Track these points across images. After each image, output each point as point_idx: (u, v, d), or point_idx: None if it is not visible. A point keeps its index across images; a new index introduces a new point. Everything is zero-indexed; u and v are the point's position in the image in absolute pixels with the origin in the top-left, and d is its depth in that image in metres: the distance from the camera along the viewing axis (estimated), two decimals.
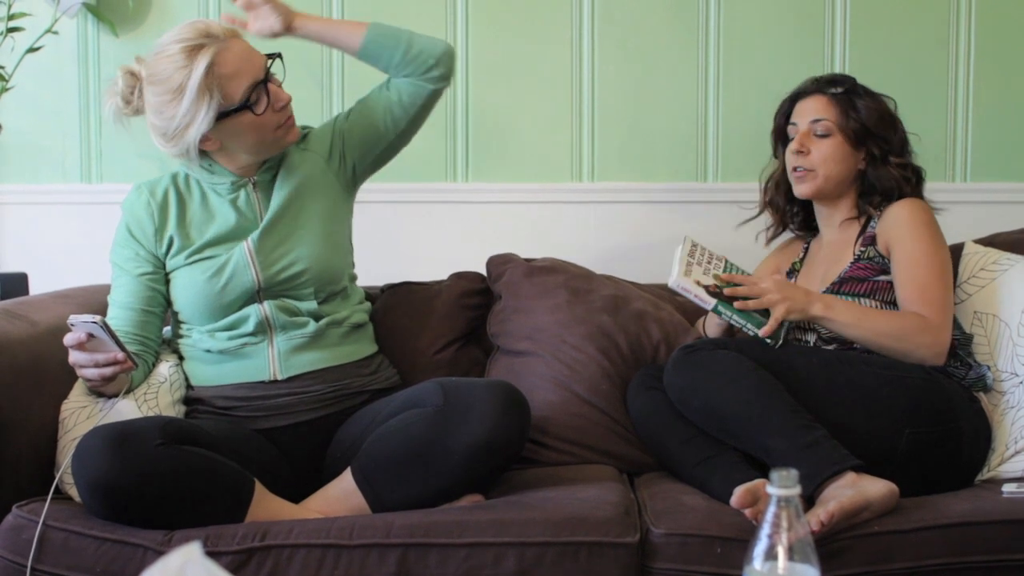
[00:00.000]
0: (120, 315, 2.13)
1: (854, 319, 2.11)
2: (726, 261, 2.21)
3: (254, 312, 2.11)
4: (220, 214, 2.15)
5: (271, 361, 2.12)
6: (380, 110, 2.23)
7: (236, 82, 2.04)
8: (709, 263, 2.17)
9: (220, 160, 2.14)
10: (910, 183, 2.27)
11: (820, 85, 2.30)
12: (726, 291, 2.10)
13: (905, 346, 2.10)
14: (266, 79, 2.07)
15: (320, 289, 2.16)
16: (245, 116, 2.06)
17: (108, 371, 1.92)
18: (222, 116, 2.04)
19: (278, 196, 2.16)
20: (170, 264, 2.15)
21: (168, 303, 2.17)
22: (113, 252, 2.18)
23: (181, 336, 2.18)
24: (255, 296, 2.13)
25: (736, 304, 2.09)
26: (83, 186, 2.84)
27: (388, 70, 2.22)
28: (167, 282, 2.16)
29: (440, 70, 2.21)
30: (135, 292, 2.14)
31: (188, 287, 2.13)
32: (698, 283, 2.11)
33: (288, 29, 2.21)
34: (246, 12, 2.21)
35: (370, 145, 2.25)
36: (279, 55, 2.10)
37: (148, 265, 2.15)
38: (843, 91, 2.27)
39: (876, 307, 2.17)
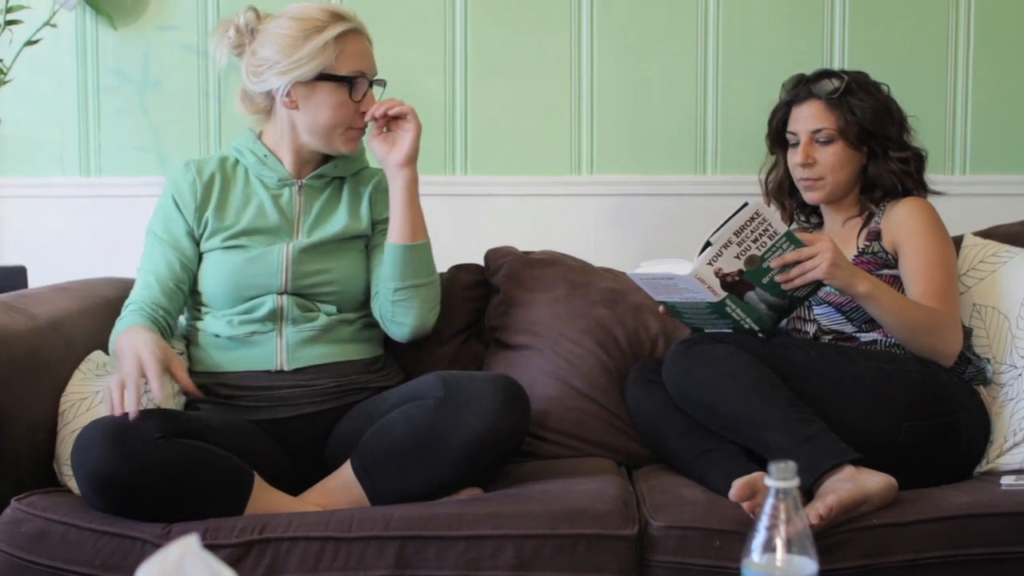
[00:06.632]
0: (150, 283, 2.14)
1: (896, 306, 2.07)
2: (786, 234, 2.01)
3: (271, 300, 2.13)
4: (259, 203, 2.18)
5: (279, 352, 2.13)
6: (372, 270, 2.22)
7: (351, 60, 2.12)
8: (755, 241, 2.00)
9: (278, 150, 2.19)
10: (911, 176, 2.26)
11: (813, 89, 2.25)
12: (777, 277, 2.01)
13: (934, 340, 2.09)
14: (372, 83, 2.15)
15: (342, 307, 2.19)
16: (337, 92, 2.12)
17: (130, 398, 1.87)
18: (322, 78, 2.11)
19: (344, 212, 2.21)
20: (204, 246, 2.17)
21: (193, 283, 2.18)
22: (153, 221, 2.20)
23: (196, 319, 2.19)
24: (278, 291, 2.15)
25: (777, 277, 2.02)
26: (81, 179, 2.84)
27: (387, 279, 2.17)
28: (199, 261, 2.18)
29: (392, 331, 2.21)
30: (168, 262, 2.15)
31: (217, 271, 2.15)
32: (719, 271, 1.99)
33: (395, 172, 2.16)
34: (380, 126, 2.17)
35: None
36: (385, 82, 2.17)
37: (186, 238, 2.17)
38: (838, 95, 2.23)
39: None
